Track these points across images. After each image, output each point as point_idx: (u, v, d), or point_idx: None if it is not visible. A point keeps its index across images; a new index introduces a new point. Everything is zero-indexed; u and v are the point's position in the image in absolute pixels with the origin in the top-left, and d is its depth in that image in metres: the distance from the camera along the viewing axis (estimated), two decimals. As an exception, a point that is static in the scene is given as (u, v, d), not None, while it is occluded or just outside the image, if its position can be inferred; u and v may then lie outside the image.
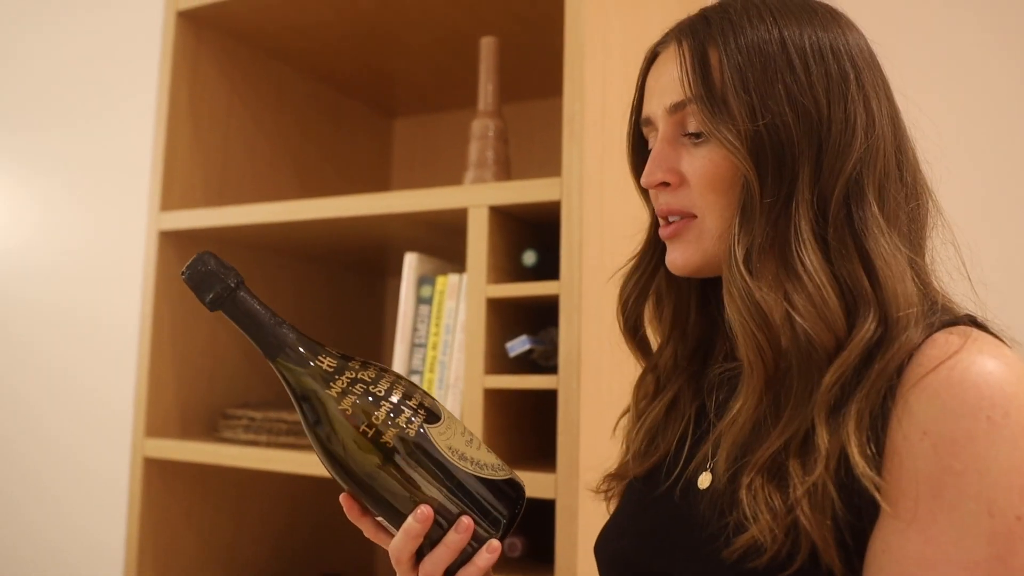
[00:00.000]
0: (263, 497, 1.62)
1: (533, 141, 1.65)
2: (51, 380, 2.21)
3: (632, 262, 0.82)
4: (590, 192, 1.11)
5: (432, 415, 0.67)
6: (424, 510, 0.66)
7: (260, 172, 1.64)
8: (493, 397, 1.14)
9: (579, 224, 1.09)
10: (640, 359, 0.83)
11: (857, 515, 0.58)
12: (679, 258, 0.73)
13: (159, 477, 1.43)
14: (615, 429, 0.88)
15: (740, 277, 0.65)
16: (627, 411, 0.85)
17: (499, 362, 1.17)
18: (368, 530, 0.73)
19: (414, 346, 1.25)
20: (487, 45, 1.31)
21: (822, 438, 0.60)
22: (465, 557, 0.68)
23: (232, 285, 0.66)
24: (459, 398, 1.18)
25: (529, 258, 1.20)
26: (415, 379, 1.24)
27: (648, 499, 0.75)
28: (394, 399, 0.66)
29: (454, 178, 1.59)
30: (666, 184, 0.72)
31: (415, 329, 1.26)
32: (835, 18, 0.71)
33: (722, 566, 0.62)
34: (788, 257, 0.64)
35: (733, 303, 0.66)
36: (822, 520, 0.58)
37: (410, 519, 0.66)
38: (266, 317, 0.67)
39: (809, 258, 0.63)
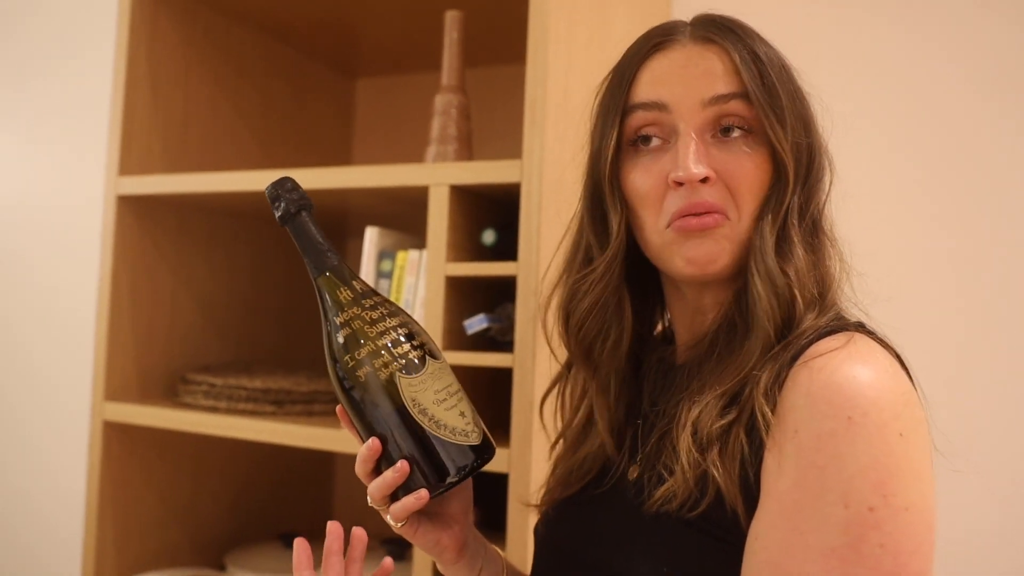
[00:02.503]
0: (222, 459, 1.64)
1: (496, 107, 1.65)
2: (8, 345, 2.19)
3: (599, 268, 0.78)
4: (550, 175, 1.12)
5: (412, 366, 0.72)
6: (373, 442, 0.73)
7: (221, 136, 1.62)
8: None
9: (538, 206, 1.11)
10: (587, 378, 0.82)
11: (759, 464, 0.64)
12: (706, 254, 0.72)
13: (118, 440, 1.44)
14: (552, 452, 0.89)
15: (775, 265, 0.70)
16: (563, 432, 0.87)
17: (457, 338, 1.19)
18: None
19: (374, 319, 1.27)
20: (452, 19, 1.30)
21: (746, 395, 0.67)
22: (398, 496, 0.73)
23: (294, 210, 0.75)
24: (417, 372, 1.21)
25: (488, 237, 1.22)
26: (374, 352, 1.26)
27: (585, 496, 0.80)
28: (382, 342, 0.72)
29: (416, 144, 1.59)
30: (705, 180, 0.71)
31: (375, 302, 1.27)
32: None
33: (644, 518, 0.69)
34: (789, 252, 0.71)
35: (765, 285, 0.70)
36: (731, 466, 0.65)
37: (363, 446, 0.73)
38: (318, 242, 0.76)
39: (801, 254, 0.71)
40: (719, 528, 0.65)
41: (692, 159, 0.70)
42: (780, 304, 0.69)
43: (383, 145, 1.88)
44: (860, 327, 0.70)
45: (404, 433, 0.71)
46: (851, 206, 0.83)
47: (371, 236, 1.28)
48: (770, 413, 0.64)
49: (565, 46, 1.16)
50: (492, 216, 1.26)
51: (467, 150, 1.28)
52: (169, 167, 1.51)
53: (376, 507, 0.75)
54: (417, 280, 1.23)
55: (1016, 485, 1.33)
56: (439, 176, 1.18)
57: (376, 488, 0.73)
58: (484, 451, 0.74)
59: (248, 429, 1.31)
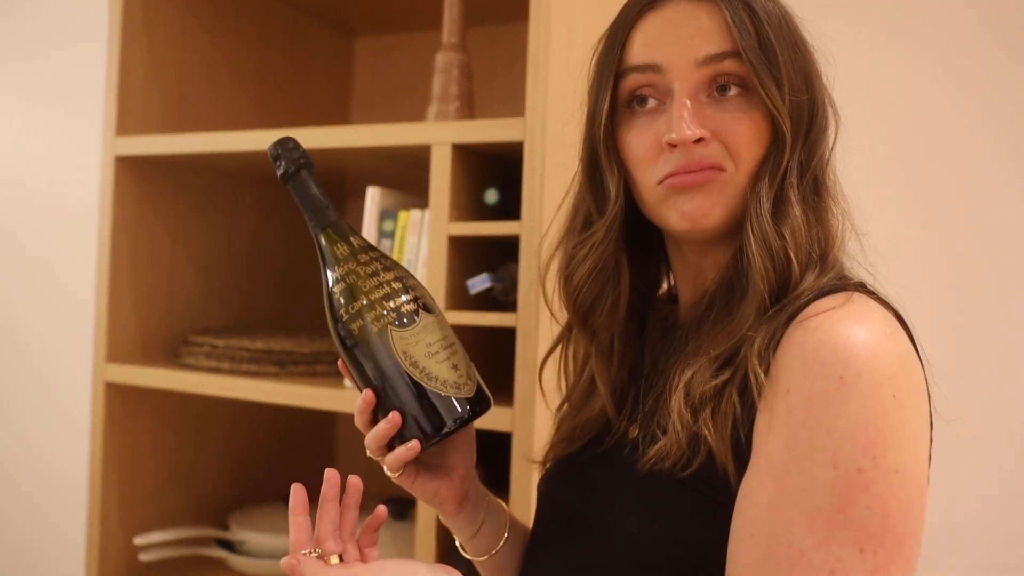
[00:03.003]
0: (224, 422, 1.64)
1: (497, 68, 1.63)
2: (9, 309, 2.19)
3: (599, 232, 0.77)
4: (553, 133, 1.11)
5: (405, 319, 0.74)
6: (367, 394, 0.74)
7: (218, 95, 1.60)
8: (455, 332, 1.16)
9: (541, 165, 1.10)
10: (587, 342, 0.82)
11: (751, 425, 0.64)
12: (699, 208, 0.71)
13: (121, 402, 1.44)
14: (555, 416, 0.89)
15: (770, 227, 0.69)
16: (568, 396, 0.86)
17: (460, 298, 1.19)
18: None
19: (376, 280, 1.27)
20: (452, -25, 1.28)
21: (741, 357, 0.66)
22: (393, 447, 0.75)
23: (294, 169, 0.77)
24: (420, 333, 1.21)
25: (491, 196, 1.21)
26: (377, 313, 1.26)
27: (587, 454, 0.80)
28: (376, 295, 0.74)
29: (416, 105, 1.57)
30: (699, 141, 0.70)
31: (377, 263, 1.27)
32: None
33: (638, 476, 0.69)
34: (785, 213, 0.70)
35: (760, 247, 0.69)
36: (723, 427, 0.65)
37: (360, 397, 0.75)
38: (318, 199, 0.78)
39: (799, 215, 0.70)
40: (711, 487, 0.65)
41: (687, 121, 0.69)
42: (775, 266, 0.68)
43: (382, 105, 1.86)
44: (860, 287, 0.69)
45: (396, 385, 0.73)
46: (858, 160, 0.81)
47: (372, 196, 1.27)
48: (763, 374, 0.63)
49: (568, 2, 1.14)
50: (494, 175, 1.25)
51: (469, 109, 1.27)
52: (166, 128, 1.50)
53: (374, 457, 0.76)
54: (419, 240, 1.22)
55: (1019, 451, 1.33)
56: (441, 135, 1.16)
57: (372, 439, 0.74)
58: (478, 403, 0.75)
59: (251, 390, 1.31)
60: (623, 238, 0.78)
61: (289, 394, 1.28)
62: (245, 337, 1.43)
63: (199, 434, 1.60)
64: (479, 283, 1.16)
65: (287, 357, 1.39)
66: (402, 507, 1.45)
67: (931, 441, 0.66)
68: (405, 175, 1.40)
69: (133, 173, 1.45)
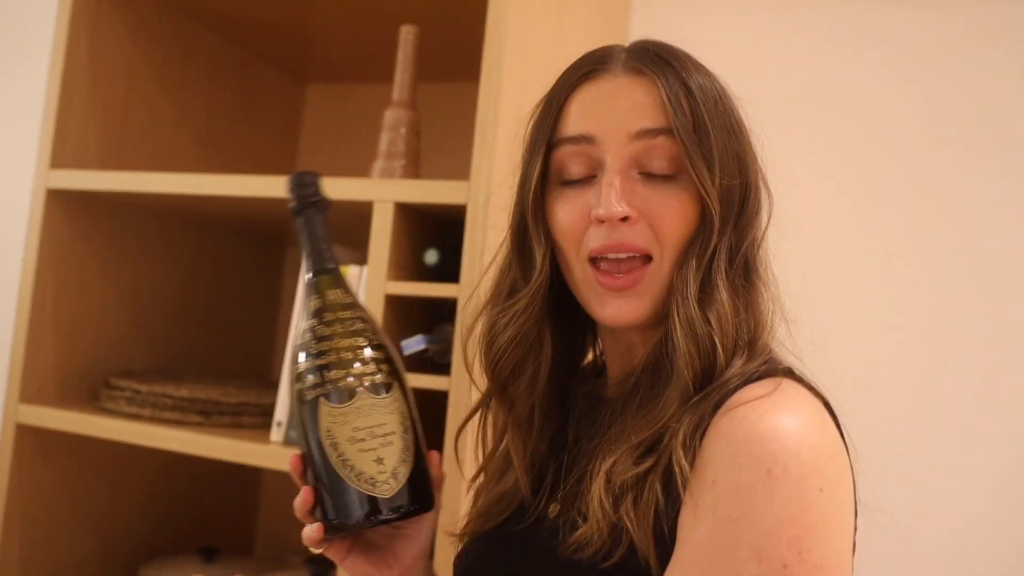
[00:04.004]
0: (143, 468, 1.58)
1: (447, 125, 1.64)
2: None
3: (522, 301, 0.75)
4: (497, 198, 1.11)
5: (339, 395, 0.69)
6: (294, 457, 0.73)
7: (160, 134, 1.57)
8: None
9: (483, 229, 1.09)
10: (504, 412, 0.79)
11: (674, 517, 0.63)
12: (628, 312, 0.71)
13: (33, 444, 1.38)
14: (471, 486, 0.87)
15: (696, 312, 0.68)
16: (484, 465, 0.84)
17: (394, 357, 1.17)
18: None
19: (309, 333, 1.24)
20: (406, 34, 1.29)
21: (664, 445, 0.65)
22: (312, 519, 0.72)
23: (300, 206, 0.75)
24: (351, 390, 1.18)
25: (431, 257, 1.20)
26: (308, 367, 1.23)
27: (505, 532, 0.77)
28: (321, 361, 0.69)
29: (363, 157, 1.56)
30: (625, 219, 0.69)
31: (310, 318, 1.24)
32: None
33: (558, 562, 0.67)
34: (712, 297, 0.68)
35: (685, 333, 0.67)
36: (645, 517, 0.63)
37: (292, 458, 0.74)
38: (316, 243, 0.75)
39: (725, 300, 0.68)
40: None
41: (615, 196, 0.68)
42: (700, 352, 0.66)
43: (329, 155, 1.85)
44: (789, 372, 0.68)
45: (315, 460, 0.69)
46: (792, 244, 0.81)
47: (311, 248, 1.25)
48: (687, 465, 0.62)
49: (521, 67, 1.15)
50: (435, 235, 1.24)
51: (414, 167, 1.27)
52: (104, 164, 1.46)
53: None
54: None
55: (957, 533, 1.34)
56: (385, 192, 1.16)
57: (295, 504, 0.72)
58: (392, 504, 0.68)
59: (172, 439, 1.26)
60: (548, 308, 0.76)
61: (212, 446, 1.23)
62: (170, 383, 1.38)
63: (114, 480, 1.53)
64: (414, 344, 1.15)
65: (212, 407, 1.34)
66: (323, 568, 1.40)
67: (855, 529, 0.66)
68: (346, 229, 1.38)
69: (65, 207, 1.41)
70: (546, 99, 0.77)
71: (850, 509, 0.64)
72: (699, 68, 0.73)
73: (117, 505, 1.54)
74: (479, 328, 0.80)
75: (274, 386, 1.52)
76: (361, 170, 1.44)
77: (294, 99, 1.88)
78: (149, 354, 1.58)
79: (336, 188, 1.18)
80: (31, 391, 1.37)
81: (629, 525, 0.63)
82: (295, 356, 0.71)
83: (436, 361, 1.20)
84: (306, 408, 0.69)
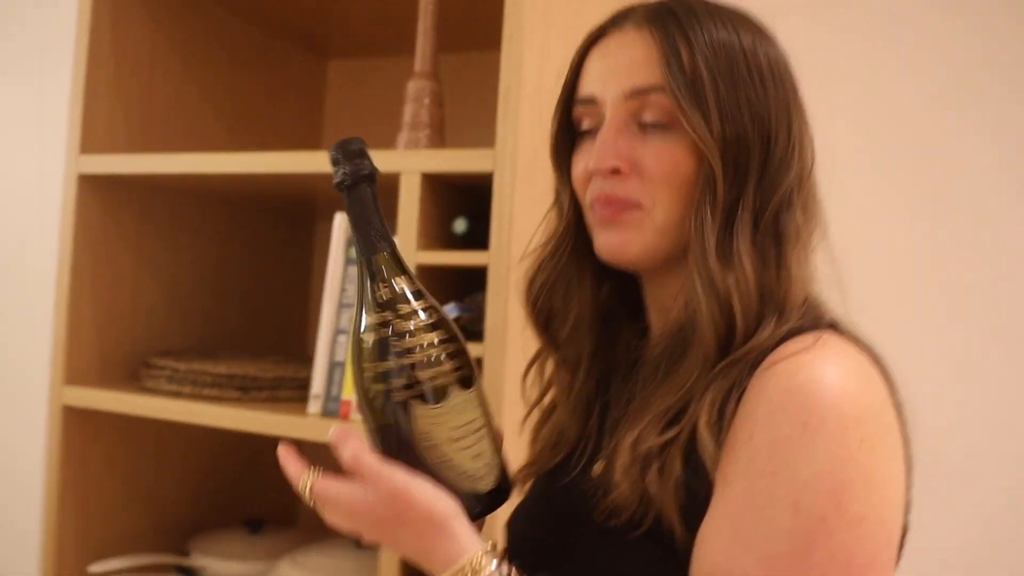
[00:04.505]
0: (186, 444, 1.62)
1: (470, 95, 1.63)
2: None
3: (550, 246, 0.80)
4: (523, 164, 1.11)
5: (435, 395, 0.64)
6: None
7: (186, 116, 1.59)
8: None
9: (510, 196, 1.10)
10: (551, 352, 0.82)
11: (699, 486, 0.63)
12: (616, 243, 0.72)
13: (79, 425, 1.41)
14: (522, 425, 0.88)
15: (716, 267, 0.67)
16: (534, 405, 0.86)
17: (427, 327, 1.18)
18: None
19: (341, 306, 1.26)
20: (425, 5, 1.29)
21: (689, 414, 0.65)
22: None
23: (351, 181, 0.67)
24: (386, 361, 1.20)
25: (460, 226, 1.20)
26: (341, 340, 1.25)
27: (553, 489, 0.79)
28: (407, 360, 0.64)
29: (388, 130, 1.56)
30: (616, 171, 0.71)
31: (343, 289, 1.26)
32: (772, 35, 0.73)
33: (593, 528, 0.68)
34: (730, 256, 0.67)
35: (705, 289, 0.66)
36: (665, 486, 0.63)
37: None
38: (369, 221, 0.67)
39: (746, 259, 0.67)
40: (660, 546, 0.64)
41: (602, 151, 0.71)
42: (722, 309, 0.65)
43: (353, 129, 1.85)
44: (832, 326, 0.67)
45: (411, 463, 0.65)
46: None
47: (340, 223, 1.27)
48: (710, 440, 0.61)
49: (540, 34, 1.14)
50: (464, 204, 1.25)
51: (439, 137, 1.27)
52: (132, 147, 1.48)
53: None
54: (387, 268, 1.21)
55: (1005, 493, 1.33)
56: (411, 163, 1.16)
57: None
58: (493, 497, 0.67)
59: (212, 415, 1.29)
60: (581, 253, 0.79)
61: (251, 420, 1.26)
62: (208, 361, 1.41)
63: (159, 458, 1.57)
64: (446, 313, 1.16)
65: (250, 382, 1.37)
66: (365, 536, 1.43)
67: (910, 486, 0.65)
68: (374, 201, 1.39)
69: (97, 192, 1.43)
70: (572, 59, 0.79)
71: (898, 463, 0.61)
72: (720, 18, 0.71)
73: (163, 481, 1.58)
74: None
75: (309, 359, 1.55)
76: (386, 143, 1.44)
77: (316, 76, 1.88)
78: (185, 333, 1.61)
79: (363, 161, 1.19)
80: (75, 373, 1.41)
81: (654, 495, 0.63)
82: (372, 352, 0.65)
83: (469, 329, 1.21)
84: (396, 410, 0.64)
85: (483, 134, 1.19)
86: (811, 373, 0.60)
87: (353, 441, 0.65)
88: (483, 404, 0.68)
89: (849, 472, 0.57)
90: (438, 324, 0.66)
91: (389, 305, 0.65)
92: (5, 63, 2.11)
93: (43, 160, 2.02)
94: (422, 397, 0.64)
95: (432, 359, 0.64)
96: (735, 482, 0.60)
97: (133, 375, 1.49)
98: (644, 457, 0.64)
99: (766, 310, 0.66)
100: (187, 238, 1.61)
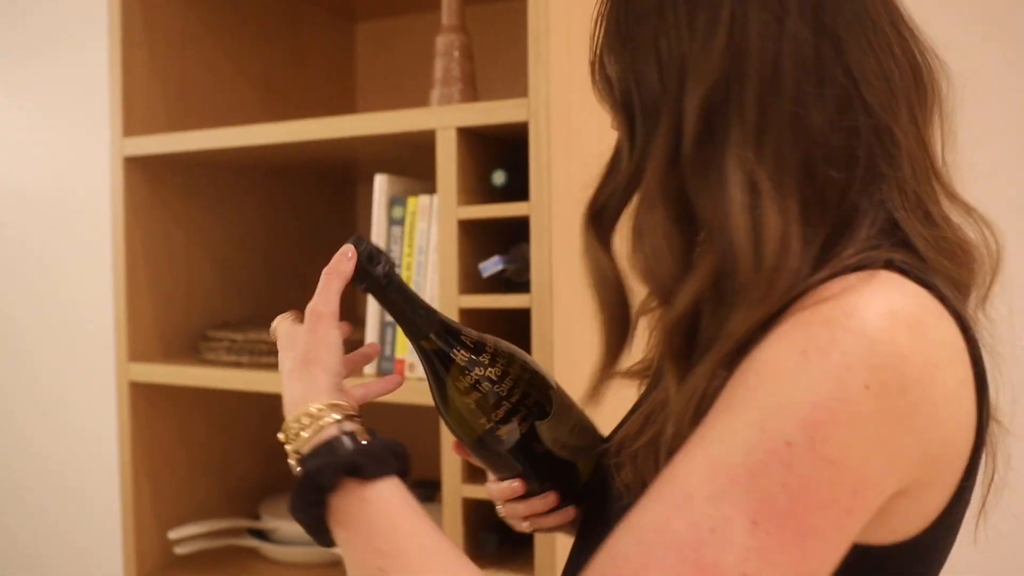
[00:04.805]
0: (249, 413, 1.66)
1: (499, 47, 1.62)
2: (32, 316, 2.21)
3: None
4: (557, 112, 1.11)
5: (544, 410, 0.72)
6: (519, 485, 0.75)
7: (221, 90, 1.60)
8: (469, 316, 1.17)
9: (547, 144, 1.09)
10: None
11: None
12: None
13: (146, 400, 1.46)
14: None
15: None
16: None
17: (473, 282, 1.19)
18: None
19: (389, 267, 1.27)
20: (448, -44, 1.27)
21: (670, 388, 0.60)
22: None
23: (384, 282, 0.72)
24: (436, 318, 1.21)
25: (499, 178, 1.20)
26: (391, 300, 1.26)
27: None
28: (515, 397, 0.71)
29: (420, 88, 1.56)
30: None
31: (388, 250, 1.27)
32: None
33: (612, 508, 0.67)
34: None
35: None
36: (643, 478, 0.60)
37: (504, 485, 0.76)
38: (412, 304, 0.71)
39: (654, 216, 0.60)
40: None
41: None
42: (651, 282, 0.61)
43: (386, 90, 1.85)
44: (890, 264, 0.54)
45: (549, 470, 0.75)
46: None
47: (380, 184, 1.28)
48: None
49: (566, -23, 1.13)
50: (501, 156, 1.25)
51: (472, 90, 1.27)
52: (172, 126, 1.50)
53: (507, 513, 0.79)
54: (429, 225, 1.22)
55: None
56: (445, 119, 1.16)
57: (522, 511, 0.77)
58: (604, 442, 0.76)
59: (272, 382, 1.32)
60: None
61: (310, 385, 1.28)
62: (263, 330, 1.44)
63: (226, 426, 1.62)
64: (491, 266, 1.17)
65: (306, 348, 1.40)
66: (429, 490, 1.46)
67: (970, 473, 0.56)
68: (412, 161, 1.40)
69: (142, 173, 1.46)
70: None
71: (921, 434, 0.51)
72: None
73: (230, 449, 1.63)
74: None
75: (360, 322, 1.57)
76: (419, 100, 1.45)
77: (345, 39, 1.88)
78: (239, 305, 1.65)
79: (396, 121, 1.20)
80: (138, 350, 1.45)
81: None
82: (482, 408, 0.70)
83: (514, 280, 1.22)
84: (523, 439, 0.72)
85: (516, 85, 1.18)
86: (837, 307, 0.51)
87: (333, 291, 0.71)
88: (561, 388, 0.75)
89: (836, 413, 0.49)
90: (512, 357, 0.72)
91: (474, 364, 0.70)
92: (43, 50, 2.15)
93: (86, 141, 2.07)
94: (539, 416, 0.71)
95: (528, 385, 0.72)
96: (720, 398, 0.54)
97: (193, 348, 1.54)
98: (632, 456, 0.62)
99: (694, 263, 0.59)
100: (233, 212, 1.64)
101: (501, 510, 0.80)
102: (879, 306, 0.51)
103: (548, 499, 0.75)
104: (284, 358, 0.70)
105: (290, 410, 0.66)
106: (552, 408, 0.72)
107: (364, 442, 0.62)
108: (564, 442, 0.73)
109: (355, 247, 0.71)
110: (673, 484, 0.52)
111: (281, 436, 0.66)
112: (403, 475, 0.62)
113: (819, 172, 0.57)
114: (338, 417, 0.63)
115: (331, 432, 0.62)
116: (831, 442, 0.49)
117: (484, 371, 0.70)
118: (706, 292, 0.57)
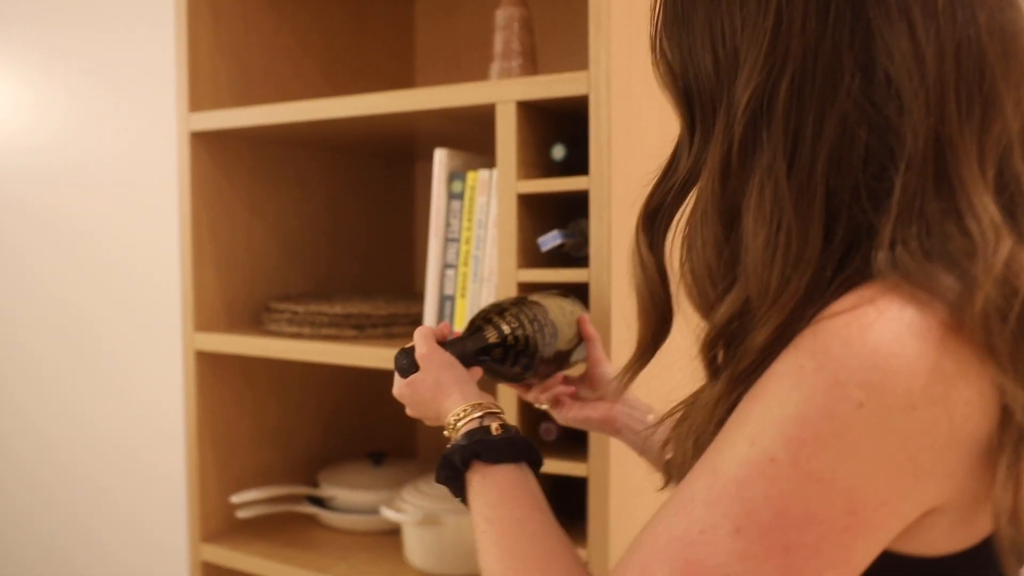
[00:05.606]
0: (311, 383, 1.70)
1: (559, 20, 1.61)
2: (102, 286, 2.28)
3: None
4: (618, 85, 1.10)
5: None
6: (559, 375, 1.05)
7: (283, 65, 1.63)
8: (527, 290, 1.18)
9: (607, 118, 1.09)
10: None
11: None
12: None
13: (211, 368, 1.50)
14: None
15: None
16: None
17: (531, 256, 1.20)
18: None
19: (447, 240, 1.28)
20: (509, -72, 1.27)
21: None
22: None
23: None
24: (493, 292, 1.22)
25: (558, 152, 1.20)
26: (449, 274, 1.28)
27: None
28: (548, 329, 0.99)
29: (479, 62, 1.56)
30: None
31: (448, 224, 1.28)
32: None
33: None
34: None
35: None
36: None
37: (520, 389, 1.05)
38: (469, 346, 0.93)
39: (707, 229, 0.62)
40: None
41: None
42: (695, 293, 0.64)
43: (446, 63, 1.86)
44: (908, 277, 0.52)
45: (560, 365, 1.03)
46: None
47: (440, 158, 1.28)
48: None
49: (628, -52, 1.11)
50: (560, 130, 1.24)
51: (532, 64, 1.26)
52: (236, 101, 1.53)
53: (543, 403, 1.03)
54: (489, 199, 1.23)
55: None
56: (505, 93, 1.16)
57: (544, 400, 1.03)
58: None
59: (332, 353, 1.35)
60: None
61: (369, 356, 1.31)
62: (324, 302, 1.46)
63: (287, 396, 1.66)
64: (550, 240, 1.17)
65: (365, 320, 1.42)
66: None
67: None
68: (472, 135, 1.41)
69: (208, 148, 1.49)
70: None
71: (953, 449, 0.50)
72: None
73: (290, 418, 1.67)
74: None
75: (419, 296, 1.59)
76: (479, 74, 1.45)
77: (405, 13, 1.89)
78: (300, 278, 1.68)
79: (455, 95, 1.20)
80: (203, 320, 1.49)
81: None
82: (549, 337, 0.98)
83: (573, 255, 1.22)
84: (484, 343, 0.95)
85: (576, 59, 1.18)
86: (841, 324, 0.50)
87: (426, 338, 0.90)
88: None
89: (823, 428, 0.49)
90: (533, 315, 0.98)
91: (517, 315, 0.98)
92: (109, 29, 2.20)
93: (153, 117, 2.12)
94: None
95: (534, 321, 0.98)
96: (736, 409, 0.57)
97: (255, 319, 1.57)
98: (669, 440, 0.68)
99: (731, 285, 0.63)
100: (296, 186, 1.67)
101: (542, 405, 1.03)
102: (888, 321, 0.50)
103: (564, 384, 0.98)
104: (426, 407, 0.89)
105: (448, 409, 0.83)
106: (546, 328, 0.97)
107: (496, 435, 0.76)
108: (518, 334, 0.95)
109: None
110: (685, 486, 0.56)
111: (446, 433, 0.82)
112: (531, 463, 0.76)
113: (846, 187, 0.55)
114: (479, 414, 0.80)
115: (472, 426, 0.79)
116: (817, 460, 0.50)
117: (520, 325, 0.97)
118: (740, 310, 0.59)
